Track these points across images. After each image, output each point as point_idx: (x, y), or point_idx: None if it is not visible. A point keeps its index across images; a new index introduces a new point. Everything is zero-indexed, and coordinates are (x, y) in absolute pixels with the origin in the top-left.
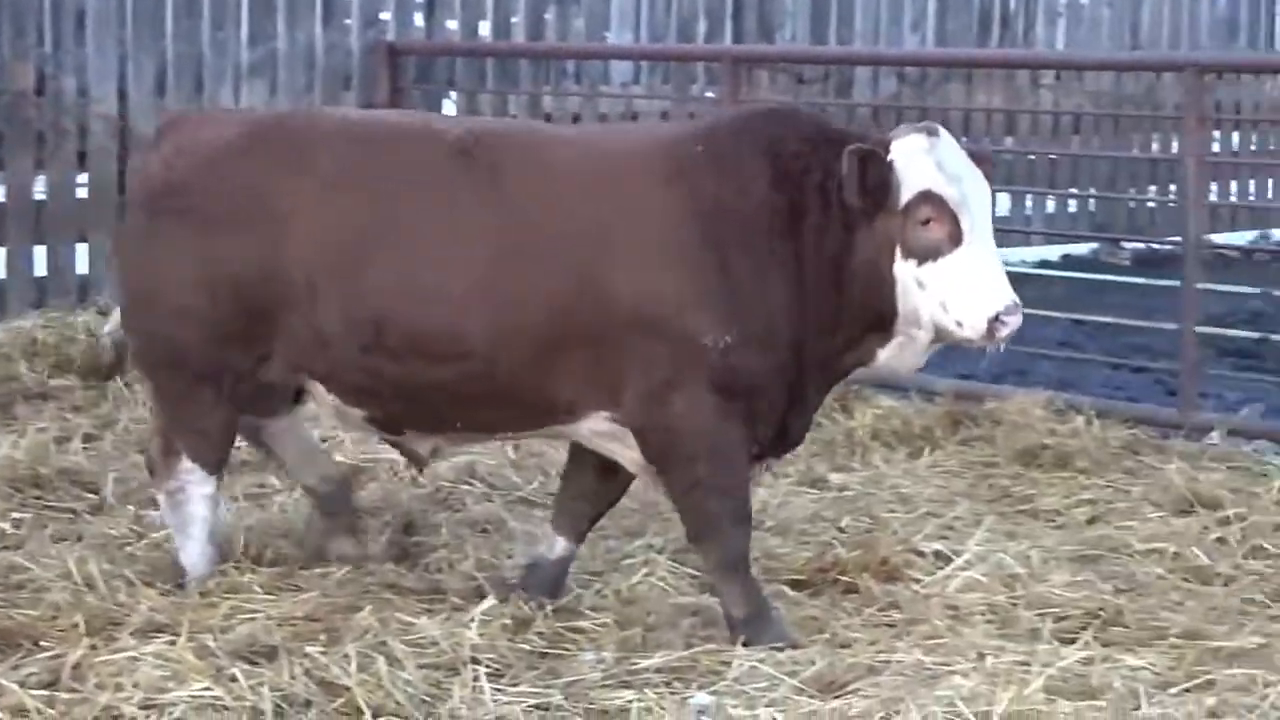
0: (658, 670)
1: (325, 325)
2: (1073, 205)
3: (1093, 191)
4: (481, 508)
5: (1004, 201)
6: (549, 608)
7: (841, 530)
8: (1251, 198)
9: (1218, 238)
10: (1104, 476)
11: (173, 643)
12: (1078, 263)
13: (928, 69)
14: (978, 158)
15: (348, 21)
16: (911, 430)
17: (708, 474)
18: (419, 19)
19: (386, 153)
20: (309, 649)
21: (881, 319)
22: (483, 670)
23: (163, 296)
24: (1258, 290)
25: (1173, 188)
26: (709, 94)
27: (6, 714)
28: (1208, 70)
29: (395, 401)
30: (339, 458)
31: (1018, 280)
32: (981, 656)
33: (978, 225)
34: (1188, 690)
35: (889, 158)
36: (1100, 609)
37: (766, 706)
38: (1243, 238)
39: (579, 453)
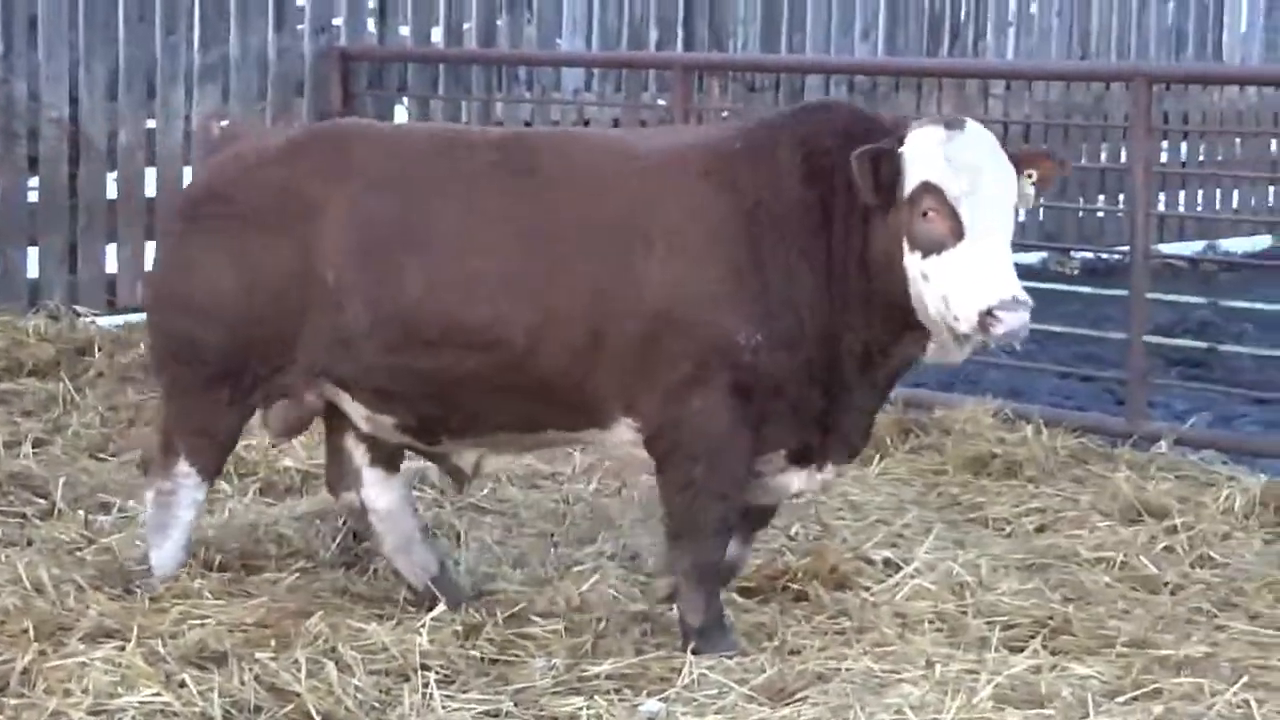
0: (608, 677)
1: (353, 327)
2: (1021, 214)
3: (1042, 201)
4: (432, 513)
5: None
6: (499, 614)
7: (791, 538)
8: (1199, 208)
9: (1166, 248)
10: (1052, 485)
11: (122, 648)
12: (1026, 272)
13: (878, 78)
14: (1030, 157)
15: (300, 27)
16: None
17: (705, 477)
18: (371, 25)
19: (427, 154)
20: (259, 655)
21: (905, 313)
22: (433, 676)
23: (192, 297)
24: (1205, 300)
25: (1121, 198)
26: (660, 101)
27: None
28: (1156, 81)
29: (426, 402)
30: (288, 463)
31: None
32: (930, 664)
33: (982, 219)
34: (1135, 698)
35: (901, 149)
36: (1048, 617)
37: (716, 714)
38: (1190, 248)
39: None
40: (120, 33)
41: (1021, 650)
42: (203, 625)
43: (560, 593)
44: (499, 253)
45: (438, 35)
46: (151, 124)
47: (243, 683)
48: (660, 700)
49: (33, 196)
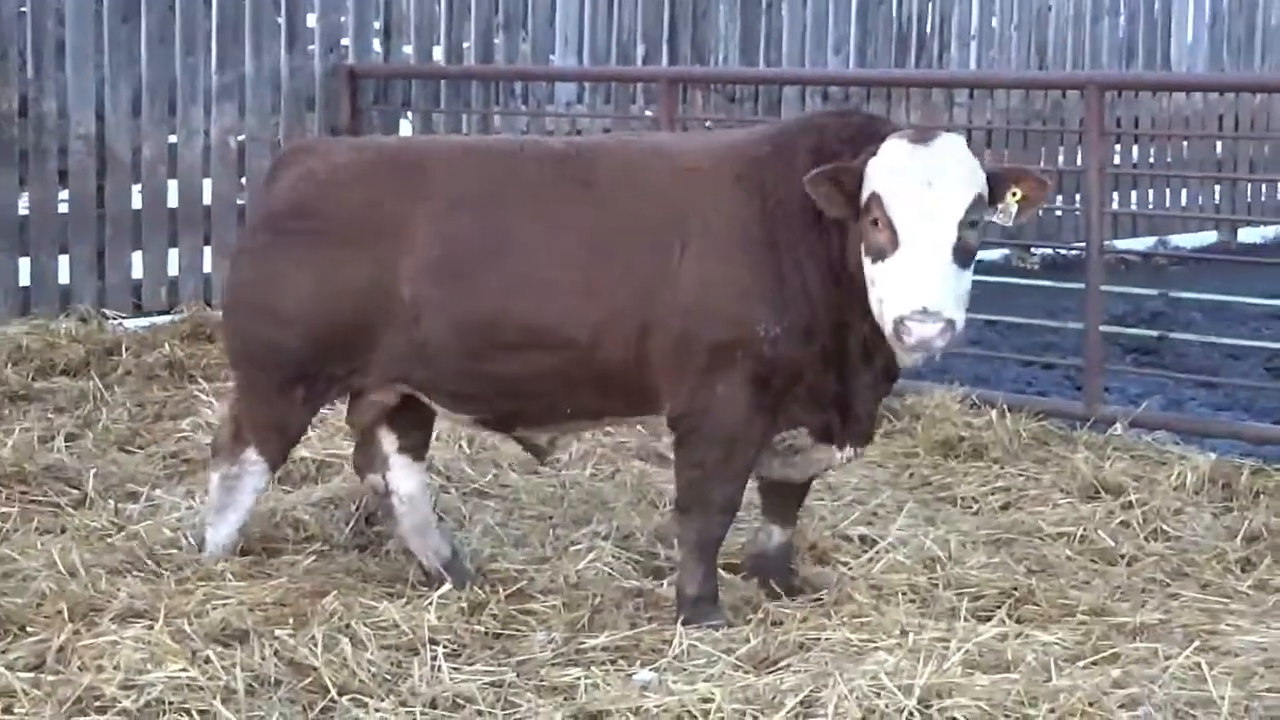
0: (604, 649)
1: (430, 338)
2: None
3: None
4: (439, 499)
5: None
6: (502, 592)
7: None
8: (1150, 207)
9: (1120, 243)
10: (1016, 466)
11: (151, 627)
12: (990, 267)
13: (850, 88)
14: (1016, 175)
15: (310, 47)
16: None
17: (718, 459)
18: (377, 44)
19: (496, 168)
20: (278, 632)
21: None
22: (440, 650)
23: (274, 306)
24: (1156, 292)
25: (1078, 197)
26: (648, 112)
27: None
28: (1108, 88)
29: (502, 400)
30: (304, 453)
31: None
32: (904, 633)
33: (917, 231)
34: (1094, 663)
35: (865, 160)
36: (1014, 588)
37: (705, 681)
38: (1143, 243)
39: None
40: (143, 55)
41: (989, 619)
42: (225, 605)
43: (558, 571)
44: (566, 258)
45: (439, 53)
46: (173, 139)
47: (263, 658)
48: (653, 670)
49: (63, 208)
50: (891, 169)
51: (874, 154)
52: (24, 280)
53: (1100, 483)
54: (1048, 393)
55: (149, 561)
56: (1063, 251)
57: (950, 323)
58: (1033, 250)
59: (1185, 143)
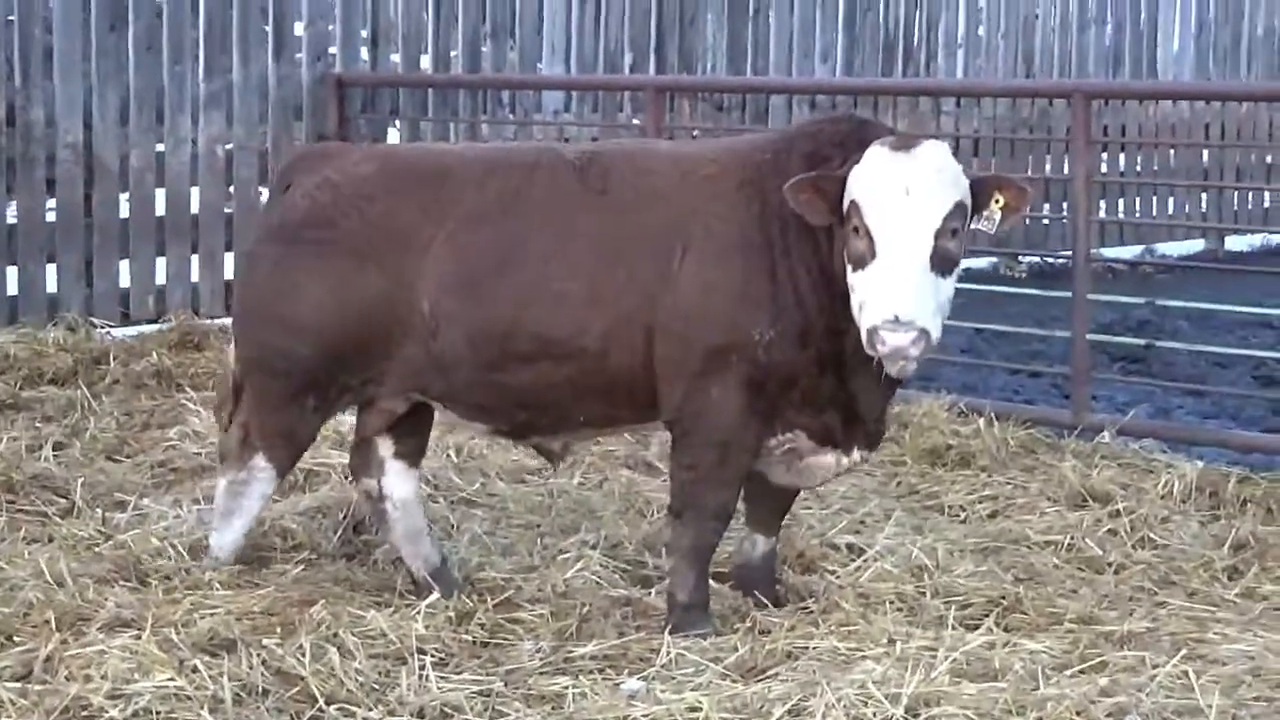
0: (592, 658)
1: (448, 350)
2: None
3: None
4: (426, 508)
5: None
6: (490, 601)
7: None
8: (1137, 215)
9: (1107, 252)
10: (1004, 474)
11: (138, 637)
12: (977, 275)
13: (837, 97)
14: (998, 183)
15: (298, 55)
16: None
17: (712, 463)
18: (364, 53)
19: (513, 180)
20: (266, 641)
21: None
22: (428, 659)
23: (289, 315)
24: (1143, 301)
25: (1064, 206)
26: (635, 120)
27: None
28: (1094, 97)
29: (520, 410)
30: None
31: None
32: (892, 642)
33: (894, 240)
34: (1082, 671)
35: (847, 167)
36: (1001, 597)
37: (693, 690)
38: (1129, 252)
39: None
40: (130, 63)
41: (976, 628)
42: (213, 614)
43: (546, 580)
44: (580, 268)
45: (427, 62)
46: (160, 147)
47: (251, 667)
48: (641, 679)
49: (51, 216)
50: (871, 177)
51: (857, 161)
52: (11, 289)
53: (1088, 491)
54: (1035, 401)
55: (136, 571)
56: (1050, 260)
57: (924, 332)
58: (1020, 259)
59: (1172, 151)
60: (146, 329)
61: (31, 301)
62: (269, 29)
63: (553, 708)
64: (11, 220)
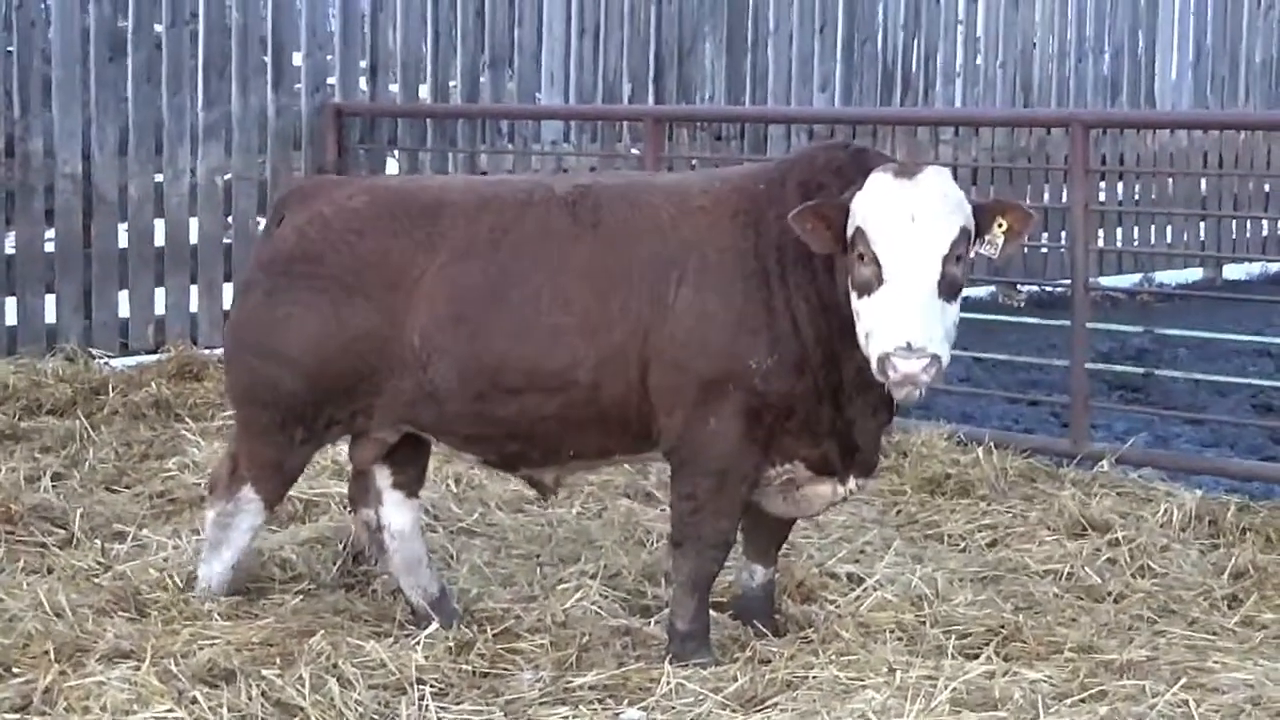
0: (591, 688)
1: (439, 382)
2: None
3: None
4: (425, 538)
5: None
6: (489, 630)
7: None
8: (1135, 243)
9: (1105, 281)
10: (1003, 503)
11: (137, 668)
12: (976, 304)
13: (835, 126)
14: (1002, 207)
15: (297, 86)
16: None
17: (710, 493)
18: (363, 83)
19: (506, 214)
20: (265, 672)
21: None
22: (428, 690)
23: (278, 348)
24: (1142, 329)
25: (1063, 234)
26: (634, 151)
27: None
28: (1092, 126)
29: (510, 441)
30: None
31: None
32: (892, 671)
33: (902, 266)
34: (1082, 700)
35: (852, 193)
36: (1001, 626)
37: None
38: (1128, 280)
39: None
40: (129, 94)
41: (976, 657)
42: (212, 645)
43: (546, 610)
44: (571, 301)
45: (425, 92)
46: (159, 178)
47: (250, 699)
48: (641, 708)
49: (50, 247)
50: (876, 204)
51: (859, 188)
52: (10, 319)
53: (1087, 520)
54: (1034, 430)
55: (135, 601)
56: (1048, 289)
57: (935, 358)
58: (1019, 287)
59: (1170, 180)
60: (145, 359)
61: (30, 332)
62: (268, 59)
63: None
64: (10, 251)
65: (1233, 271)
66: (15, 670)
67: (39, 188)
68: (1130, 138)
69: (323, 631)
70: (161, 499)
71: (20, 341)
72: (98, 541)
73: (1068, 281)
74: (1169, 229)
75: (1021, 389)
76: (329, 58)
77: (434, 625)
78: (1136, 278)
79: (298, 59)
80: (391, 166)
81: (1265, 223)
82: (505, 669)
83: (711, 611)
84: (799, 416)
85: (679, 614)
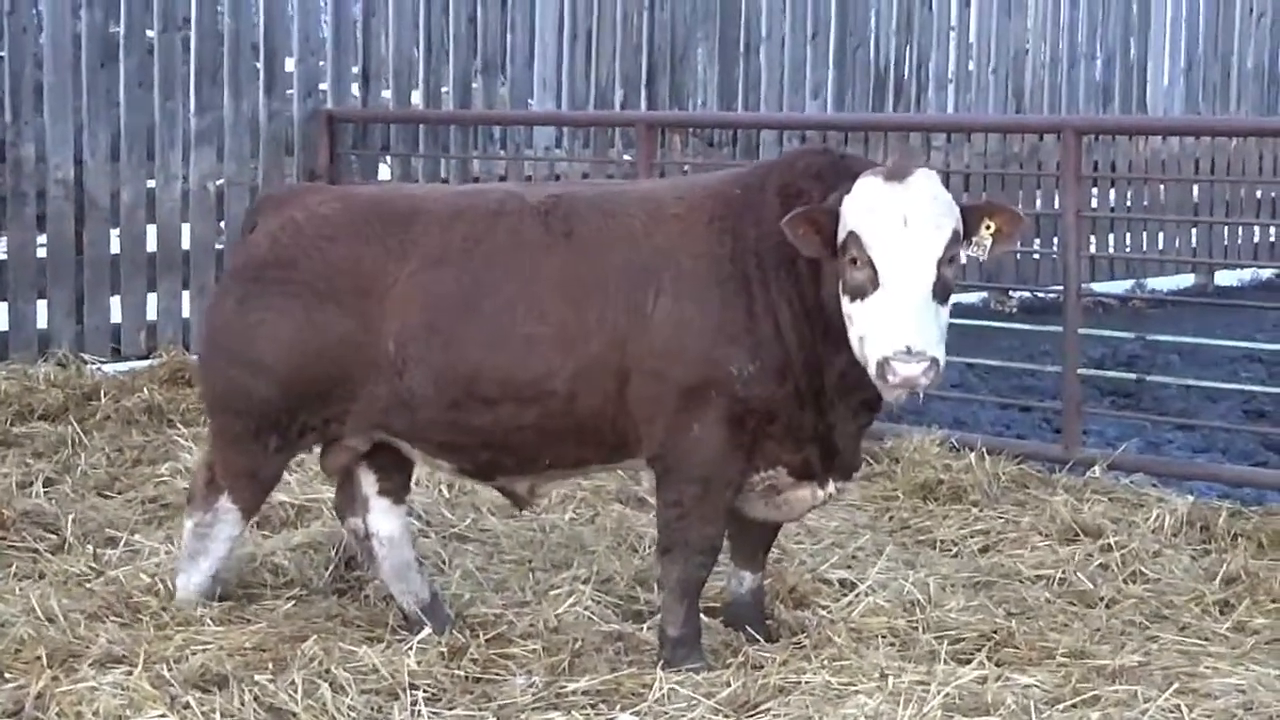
0: (584, 693)
1: (415, 389)
2: (962, 256)
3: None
4: (417, 543)
5: None
6: (482, 636)
7: None
8: (1127, 249)
9: (1097, 286)
10: (995, 509)
11: (130, 673)
12: (968, 310)
13: (827, 132)
14: (990, 209)
15: (289, 92)
16: None
17: (694, 500)
18: (355, 89)
19: (478, 224)
20: (258, 677)
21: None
22: (420, 695)
23: (251, 354)
24: (1134, 335)
25: (1055, 241)
26: (626, 156)
27: None
28: (1084, 132)
29: (484, 450)
30: (282, 497)
31: None
32: (884, 677)
33: (897, 269)
34: (1074, 705)
35: (840, 197)
36: (993, 631)
37: None
38: (1120, 286)
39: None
40: (121, 99)
41: (969, 662)
42: (205, 650)
43: (538, 615)
44: (545, 311)
45: (418, 98)
46: (151, 184)
47: (243, 704)
48: (633, 714)
49: (41, 252)
50: (868, 207)
51: (848, 192)
52: (2, 325)
53: (1079, 525)
54: (1026, 435)
55: (128, 607)
56: (1040, 295)
57: (934, 361)
58: (1010, 293)
59: (1162, 186)
60: (137, 365)
61: (22, 337)
62: (260, 65)
63: None
64: (2, 256)
65: (1224, 277)
66: (8, 676)
67: (31, 193)
68: (1122, 144)
69: (315, 637)
70: (154, 504)
71: (12, 347)
72: (90, 547)
73: (1059, 287)
74: (1161, 235)
75: (1014, 394)
76: (321, 63)
77: (426, 630)
78: (1128, 283)
79: (290, 65)
80: (384, 172)
81: (1257, 229)
82: (498, 674)
83: (703, 617)
84: (782, 422)
85: (669, 620)
